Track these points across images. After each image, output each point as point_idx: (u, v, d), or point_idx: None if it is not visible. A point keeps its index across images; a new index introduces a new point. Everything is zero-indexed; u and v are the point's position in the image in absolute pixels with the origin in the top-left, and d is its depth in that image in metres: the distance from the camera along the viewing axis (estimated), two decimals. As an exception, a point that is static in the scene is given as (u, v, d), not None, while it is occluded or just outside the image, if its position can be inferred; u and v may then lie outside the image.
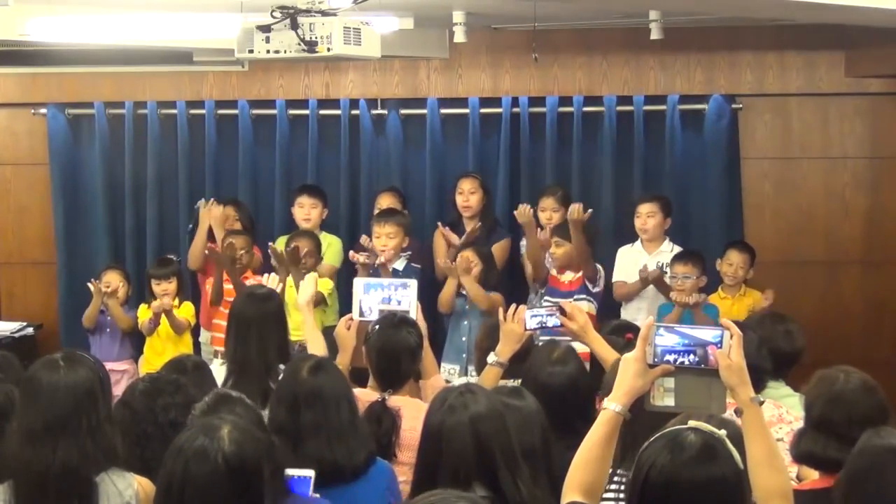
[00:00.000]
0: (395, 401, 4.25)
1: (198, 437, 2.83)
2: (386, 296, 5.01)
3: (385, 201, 7.24)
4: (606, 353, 4.35)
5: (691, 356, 2.87)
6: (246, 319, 4.86)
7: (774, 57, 7.62)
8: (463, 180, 7.24)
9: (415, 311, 4.92)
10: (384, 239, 6.68)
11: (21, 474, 3.33)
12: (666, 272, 6.69)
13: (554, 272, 6.66)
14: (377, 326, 4.54)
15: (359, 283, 5.14)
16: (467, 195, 7.18)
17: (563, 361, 4.21)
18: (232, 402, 3.59)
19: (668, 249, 6.83)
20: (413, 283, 5.04)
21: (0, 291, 8.33)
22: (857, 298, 7.77)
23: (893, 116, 7.67)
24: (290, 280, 6.63)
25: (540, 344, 4.93)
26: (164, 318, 6.73)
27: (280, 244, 6.94)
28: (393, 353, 4.42)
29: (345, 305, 6.99)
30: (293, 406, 3.73)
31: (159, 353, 6.63)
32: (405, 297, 4.99)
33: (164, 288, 6.77)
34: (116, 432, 3.43)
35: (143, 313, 6.85)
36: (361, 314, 5.00)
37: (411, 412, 4.18)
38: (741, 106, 7.64)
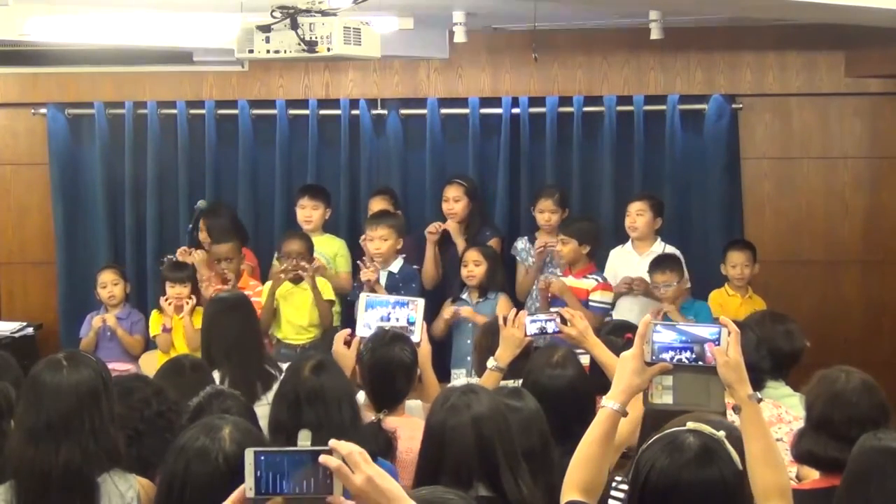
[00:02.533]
0: (390, 422, 4.18)
1: (199, 437, 2.83)
2: (385, 314, 4.91)
3: (376, 205, 7.20)
4: (607, 358, 4.32)
5: (688, 353, 2.86)
6: (211, 325, 4.90)
7: (774, 57, 7.62)
8: (448, 187, 7.21)
9: (419, 331, 4.81)
10: (377, 242, 6.67)
11: (23, 474, 3.32)
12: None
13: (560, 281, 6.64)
14: (369, 344, 4.44)
15: (362, 298, 5.03)
16: (452, 203, 7.13)
17: (562, 365, 4.19)
18: (223, 397, 3.62)
19: (660, 250, 6.81)
20: (420, 302, 4.93)
21: (0, 291, 8.33)
22: (857, 298, 7.77)
23: (893, 116, 7.68)
24: (288, 285, 6.65)
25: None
26: (176, 327, 6.67)
27: None
28: (387, 372, 4.32)
29: (345, 304, 7.03)
30: (294, 405, 3.74)
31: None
32: (404, 316, 4.90)
33: (178, 291, 6.66)
34: (119, 433, 3.44)
35: (154, 321, 6.76)
36: (362, 330, 4.92)
37: (408, 433, 4.11)
38: (741, 106, 7.64)
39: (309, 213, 7.17)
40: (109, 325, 6.88)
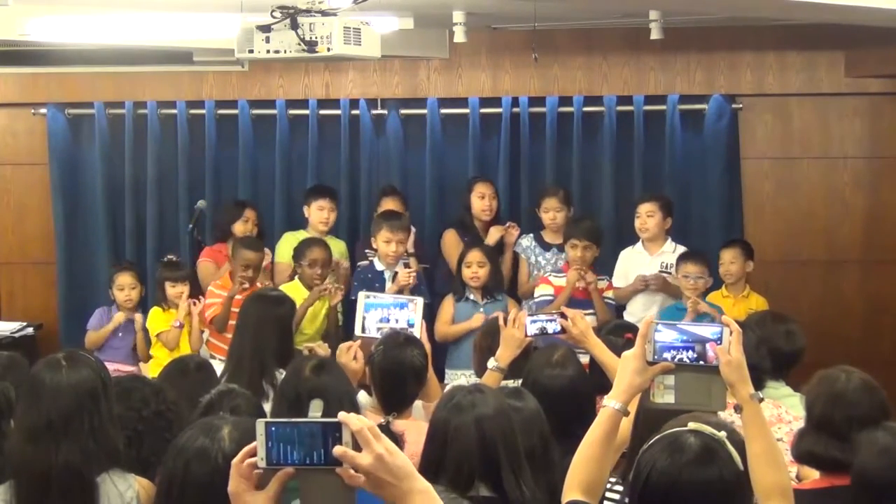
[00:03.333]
0: (398, 425, 4.07)
1: (198, 437, 2.83)
2: (384, 315, 4.89)
3: (389, 205, 7.17)
4: (608, 358, 4.30)
5: (689, 352, 2.86)
6: (248, 319, 4.88)
7: (774, 57, 7.62)
8: (482, 184, 7.23)
9: (419, 331, 4.78)
10: (395, 245, 6.64)
11: (23, 474, 3.32)
12: (670, 272, 6.72)
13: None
14: (381, 346, 4.40)
15: (361, 300, 4.98)
16: (489, 200, 7.17)
17: (562, 364, 4.18)
18: (233, 396, 3.62)
19: (671, 249, 6.84)
20: (419, 301, 4.90)
21: (0, 291, 8.33)
22: (857, 298, 7.77)
23: (893, 116, 7.68)
24: (297, 288, 6.64)
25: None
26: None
27: (286, 242, 6.95)
28: (398, 375, 4.30)
29: (346, 303, 7.03)
30: (295, 404, 3.73)
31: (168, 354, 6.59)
32: (404, 317, 4.86)
33: (180, 290, 6.67)
34: (118, 433, 3.43)
35: (157, 318, 6.77)
36: (362, 331, 4.88)
37: (414, 436, 4.03)
38: (741, 106, 7.64)
39: (327, 214, 7.13)
40: (136, 324, 6.83)
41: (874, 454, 3.17)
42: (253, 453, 2.10)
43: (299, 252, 6.68)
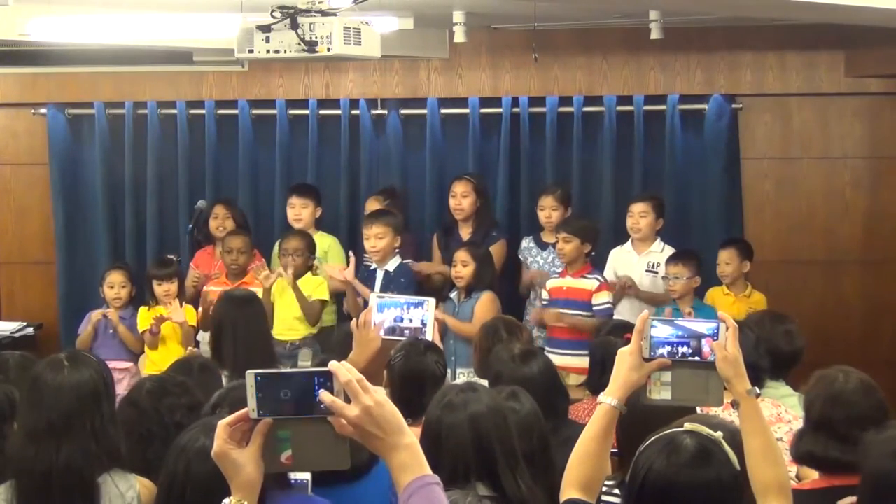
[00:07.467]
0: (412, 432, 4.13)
1: (199, 437, 2.84)
2: (398, 315, 4.87)
3: (370, 206, 7.21)
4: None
5: (685, 348, 2.84)
6: (223, 322, 4.89)
7: (774, 57, 7.62)
8: (456, 183, 7.22)
9: (431, 332, 4.81)
10: (373, 240, 6.66)
11: (24, 474, 3.33)
12: (656, 272, 6.75)
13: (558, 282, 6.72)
14: (402, 351, 4.36)
15: (373, 300, 4.99)
16: (459, 198, 7.15)
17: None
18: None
19: (659, 249, 6.86)
20: (431, 302, 4.91)
21: (0, 291, 8.33)
22: (857, 298, 7.77)
23: (893, 116, 7.68)
24: (281, 281, 6.66)
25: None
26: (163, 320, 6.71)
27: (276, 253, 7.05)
28: (418, 381, 4.26)
29: (339, 302, 7.04)
30: None
31: (161, 352, 6.63)
32: (418, 317, 4.84)
33: (166, 289, 6.71)
34: (119, 433, 3.43)
35: (143, 317, 6.80)
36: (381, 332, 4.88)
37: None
38: (741, 106, 7.64)
39: (298, 211, 7.18)
40: (112, 320, 6.87)
41: (890, 455, 3.06)
42: (245, 417, 2.10)
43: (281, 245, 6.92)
